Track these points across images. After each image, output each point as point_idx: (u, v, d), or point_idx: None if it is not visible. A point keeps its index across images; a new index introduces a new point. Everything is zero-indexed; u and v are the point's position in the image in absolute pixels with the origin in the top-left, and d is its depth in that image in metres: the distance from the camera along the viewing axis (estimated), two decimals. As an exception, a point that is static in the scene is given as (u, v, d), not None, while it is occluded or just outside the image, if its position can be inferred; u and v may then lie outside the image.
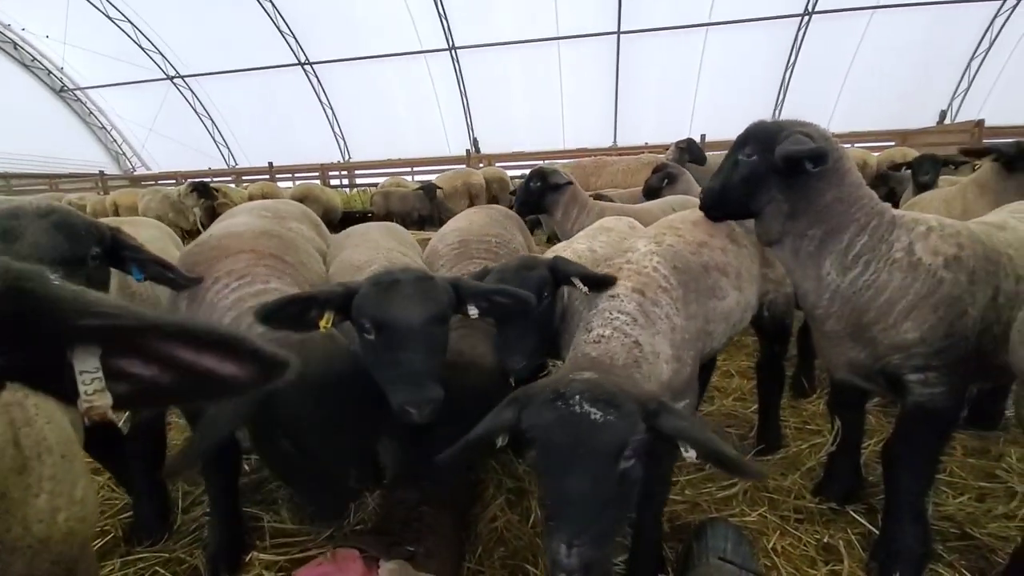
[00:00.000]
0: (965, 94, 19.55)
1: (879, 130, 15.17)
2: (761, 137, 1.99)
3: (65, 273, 1.61)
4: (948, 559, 2.19)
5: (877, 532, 2.28)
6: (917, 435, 2.03)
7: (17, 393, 1.22)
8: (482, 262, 2.94)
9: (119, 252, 2.00)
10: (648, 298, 1.92)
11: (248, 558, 2.31)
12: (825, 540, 2.34)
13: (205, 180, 8.73)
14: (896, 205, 3.09)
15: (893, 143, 12.34)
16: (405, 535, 1.93)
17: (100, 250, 1.90)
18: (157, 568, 2.32)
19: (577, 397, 1.38)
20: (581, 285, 2.00)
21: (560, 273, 2.12)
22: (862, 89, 20.17)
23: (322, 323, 1.76)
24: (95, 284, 1.85)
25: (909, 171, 5.77)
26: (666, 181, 6.02)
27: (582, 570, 1.28)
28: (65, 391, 0.63)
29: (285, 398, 1.56)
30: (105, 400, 0.63)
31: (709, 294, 2.12)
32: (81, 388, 0.62)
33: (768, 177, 1.98)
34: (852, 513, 2.47)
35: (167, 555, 2.40)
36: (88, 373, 0.62)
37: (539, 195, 4.46)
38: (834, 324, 2.08)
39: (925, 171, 5.54)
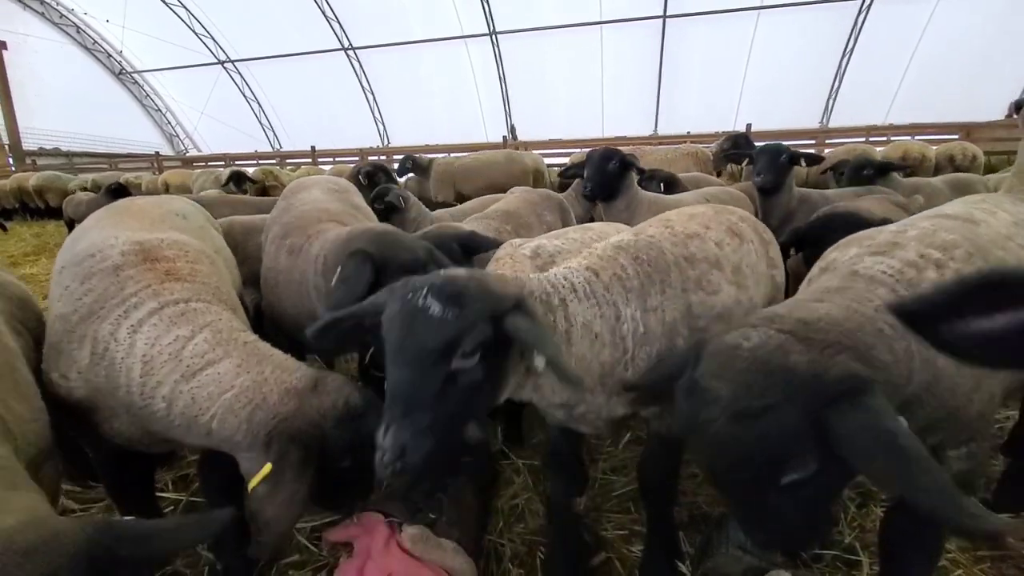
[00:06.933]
0: (1041, 85, 18.11)
1: (942, 122, 14.26)
2: None
3: None
4: (978, 568, 2.13)
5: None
6: None
7: None
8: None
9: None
10: (601, 280, 1.81)
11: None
12: (846, 542, 2.31)
13: (240, 170, 9.11)
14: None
15: (956, 136, 11.59)
16: (428, 504, 2.02)
17: None
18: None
19: (425, 290, 1.38)
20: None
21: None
22: (925, 78, 18.94)
23: None
24: None
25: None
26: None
27: (395, 451, 1.30)
28: None
29: None
30: None
31: (693, 286, 1.96)
32: None
33: None
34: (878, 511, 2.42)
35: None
36: None
37: (618, 177, 4.08)
38: None
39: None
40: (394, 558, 1.80)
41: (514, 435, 3.08)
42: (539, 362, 1.42)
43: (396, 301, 1.43)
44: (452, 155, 11.39)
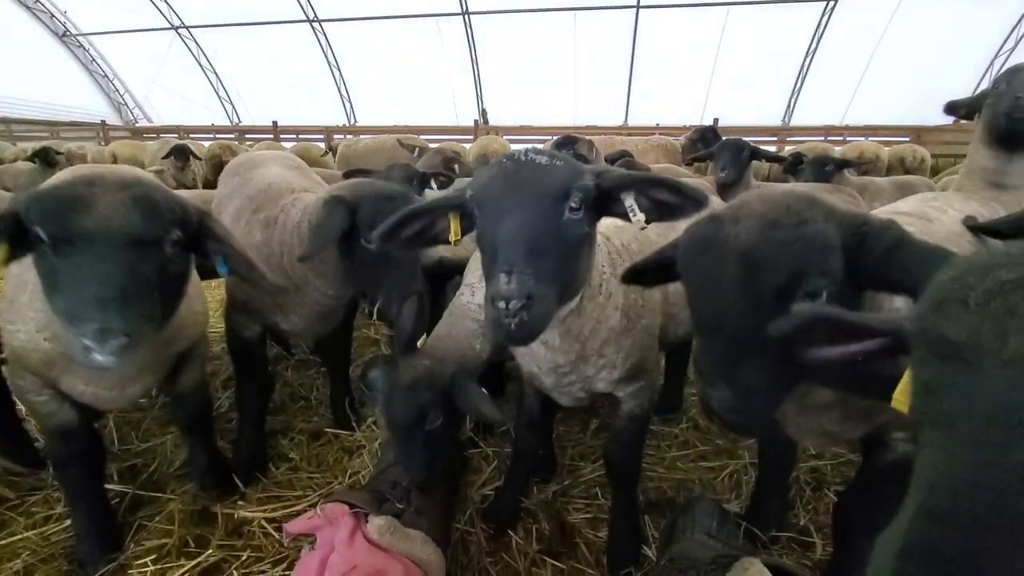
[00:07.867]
0: (987, 93, 19.16)
1: (894, 125, 14.92)
2: None
3: (138, 256, 1.50)
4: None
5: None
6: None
7: None
8: None
9: (204, 239, 1.78)
10: (613, 244, 1.93)
11: (235, 515, 2.34)
12: (801, 524, 2.40)
13: (183, 144, 8.52)
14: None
15: (907, 139, 12.14)
16: (395, 494, 1.97)
17: (182, 235, 1.65)
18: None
19: (525, 153, 1.44)
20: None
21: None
22: (882, 82, 19.76)
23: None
24: (173, 273, 1.66)
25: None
26: None
27: (522, 297, 1.23)
28: None
29: None
30: None
31: None
32: None
33: None
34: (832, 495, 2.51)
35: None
36: None
37: None
38: None
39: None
40: (359, 550, 1.74)
41: (483, 423, 3.06)
42: (632, 203, 1.45)
43: (491, 168, 1.46)
44: (359, 137, 11.79)
